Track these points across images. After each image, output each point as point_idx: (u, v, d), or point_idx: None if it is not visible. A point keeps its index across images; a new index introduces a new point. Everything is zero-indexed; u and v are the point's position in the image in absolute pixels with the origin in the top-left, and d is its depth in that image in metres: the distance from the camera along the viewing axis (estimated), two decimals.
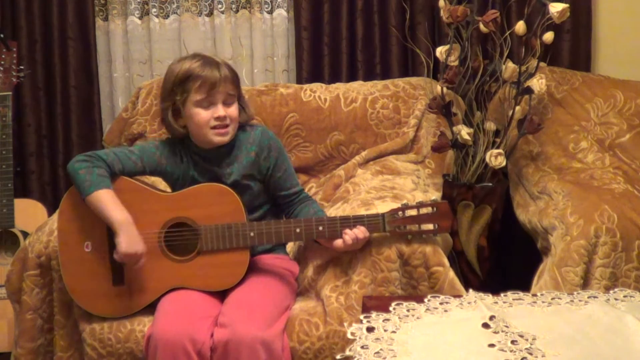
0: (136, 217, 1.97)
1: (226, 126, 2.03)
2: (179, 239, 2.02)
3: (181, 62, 2.04)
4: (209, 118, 2.01)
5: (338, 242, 2.00)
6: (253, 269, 2.06)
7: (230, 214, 2.00)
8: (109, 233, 2.00)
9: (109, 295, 2.02)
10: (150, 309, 2.01)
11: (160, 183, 2.31)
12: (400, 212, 2.01)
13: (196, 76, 1.99)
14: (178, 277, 2.01)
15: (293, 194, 2.16)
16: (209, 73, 1.99)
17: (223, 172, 2.08)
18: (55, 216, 2.22)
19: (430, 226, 2.02)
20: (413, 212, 2.01)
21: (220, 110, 2.01)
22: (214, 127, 2.02)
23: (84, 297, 2.03)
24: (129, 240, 1.92)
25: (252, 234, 1.99)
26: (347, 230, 1.99)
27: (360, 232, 1.98)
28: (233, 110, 2.04)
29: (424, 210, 2.02)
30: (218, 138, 2.04)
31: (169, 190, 2.15)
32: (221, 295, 2.03)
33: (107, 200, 1.95)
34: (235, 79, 2.05)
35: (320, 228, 2.01)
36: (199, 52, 2.09)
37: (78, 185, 1.97)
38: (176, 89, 2.02)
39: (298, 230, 2.01)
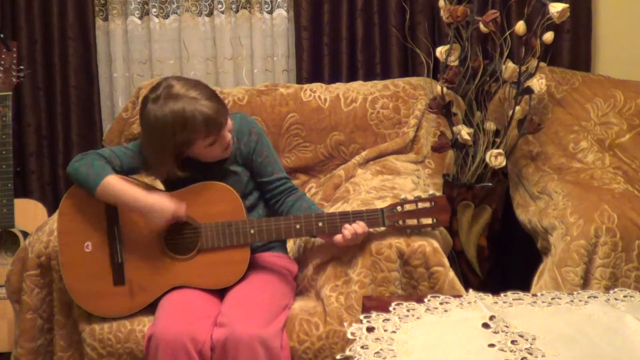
0: (136, 216, 1.97)
1: (230, 144, 2.04)
2: (180, 238, 2.02)
3: (165, 109, 1.90)
4: (220, 151, 2.02)
5: (337, 237, 2.01)
6: (252, 267, 2.06)
7: (230, 212, 2.01)
8: (109, 232, 2.01)
9: (110, 295, 2.02)
10: (150, 308, 2.01)
11: (160, 184, 2.31)
12: (399, 207, 2.02)
13: (200, 125, 1.91)
14: (179, 276, 2.01)
15: (276, 180, 2.14)
16: (213, 118, 1.92)
17: (216, 166, 2.09)
18: (55, 216, 2.22)
19: (429, 220, 2.03)
20: (412, 207, 2.03)
21: (227, 138, 2.00)
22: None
23: (84, 298, 2.03)
24: (156, 214, 1.93)
25: (252, 231, 2.00)
26: (347, 225, 1.99)
27: (359, 227, 1.99)
28: (230, 125, 2.03)
29: (422, 205, 2.03)
30: (225, 154, 2.06)
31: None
32: (221, 294, 2.03)
33: (116, 185, 1.95)
34: (222, 103, 1.99)
35: (320, 224, 2.01)
36: (171, 90, 1.91)
37: (82, 183, 1.97)
38: (181, 141, 1.93)
39: (298, 226, 2.01)
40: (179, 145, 1.94)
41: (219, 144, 1.99)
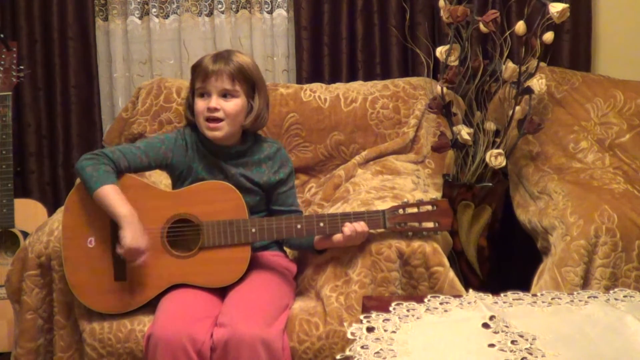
0: (140, 213, 1.98)
1: (218, 120, 2.04)
2: (181, 235, 2.02)
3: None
4: (203, 108, 2.05)
5: (337, 236, 2.01)
6: (252, 266, 2.06)
7: (232, 210, 2.01)
8: (113, 229, 2.01)
9: (110, 291, 2.02)
10: (150, 308, 2.01)
11: (160, 183, 2.31)
12: (400, 210, 2.02)
13: (198, 65, 2.07)
14: (179, 273, 2.02)
15: (294, 211, 2.17)
16: (208, 64, 2.05)
17: (228, 170, 2.10)
18: (55, 216, 2.23)
19: (430, 224, 2.03)
20: (413, 210, 2.03)
21: (212, 102, 2.04)
22: (207, 120, 2.04)
23: (84, 293, 2.03)
24: (133, 234, 1.93)
25: (253, 230, 2.00)
26: (347, 223, 2.00)
27: (359, 225, 1.99)
28: (229, 105, 2.05)
29: (424, 208, 2.03)
30: (209, 132, 2.06)
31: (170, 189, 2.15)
32: (221, 295, 2.03)
33: (112, 196, 1.96)
34: (236, 74, 2.04)
35: (321, 224, 2.02)
36: (232, 49, 2.21)
37: (85, 182, 1.99)
38: (191, 78, 2.12)
39: (299, 226, 2.02)
40: (192, 80, 2.10)
41: (205, 102, 2.04)
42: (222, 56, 2.06)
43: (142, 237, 1.95)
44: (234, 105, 2.05)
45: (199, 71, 2.06)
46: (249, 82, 2.08)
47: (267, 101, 2.15)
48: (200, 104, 2.05)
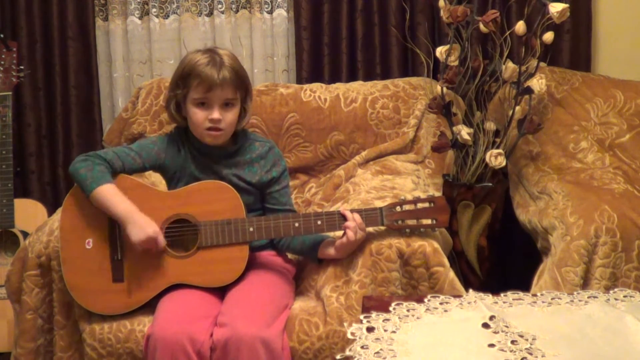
0: None
1: (220, 129, 2.04)
2: (179, 236, 2.02)
3: (192, 55, 2.04)
4: (203, 119, 2.02)
5: (339, 241, 1.99)
6: (251, 267, 2.07)
7: (230, 210, 2.01)
8: (110, 230, 2.01)
9: (109, 292, 2.02)
10: (150, 308, 2.01)
11: (160, 183, 2.31)
12: (398, 207, 2.03)
13: (196, 74, 1.99)
14: (178, 274, 2.02)
15: (288, 210, 2.16)
16: (209, 73, 1.98)
17: (221, 171, 2.09)
18: (55, 216, 2.23)
19: (428, 221, 2.03)
20: (411, 207, 2.03)
21: (215, 114, 2.01)
22: (208, 129, 2.03)
23: (83, 295, 2.03)
24: (138, 227, 1.93)
25: (251, 229, 2.01)
26: (347, 223, 1.98)
27: (358, 217, 1.99)
28: (230, 115, 2.04)
29: (421, 205, 2.03)
30: (209, 139, 2.06)
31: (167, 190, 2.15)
32: (221, 295, 2.03)
33: (109, 195, 1.96)
34: (237, 83, 2.03)
35: (319, 222, 2.02)
36: (215, 47, 2.08)
37: (80, 184, 1.98)
38: (180, 82, 2.04)
39: (297, 224, 2.02)
40: (180, 81, 2.02)
41: (205, 110, 2.01)
42: (218, 62, 2.00)
43: (148, 225, 1.94)
44: (233, 115, 2.05)
45: (199, 81, 1.99)
46: (245, 87, 2.08)
47: (252, 99, 2.15)
48: (200, 115, 2.02)
